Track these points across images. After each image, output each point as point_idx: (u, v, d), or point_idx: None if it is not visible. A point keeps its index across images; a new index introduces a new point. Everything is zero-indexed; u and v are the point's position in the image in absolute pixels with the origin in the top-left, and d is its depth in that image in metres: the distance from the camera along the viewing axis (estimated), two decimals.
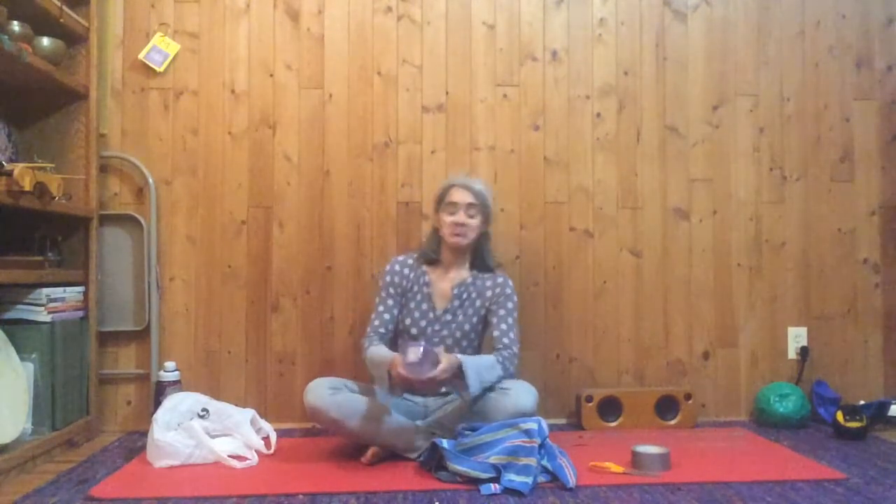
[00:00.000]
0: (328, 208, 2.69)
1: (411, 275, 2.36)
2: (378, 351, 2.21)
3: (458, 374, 2.04)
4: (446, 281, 2.36)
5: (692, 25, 2.82)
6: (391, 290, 2.35)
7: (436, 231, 2.39)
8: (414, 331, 2.31)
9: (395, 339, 2.35)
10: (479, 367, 2.11)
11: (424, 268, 2.38)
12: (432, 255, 2.38)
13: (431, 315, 2.32)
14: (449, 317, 2.32)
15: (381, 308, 2.34)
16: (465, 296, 2.34)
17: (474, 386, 2.06)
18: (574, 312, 2.74)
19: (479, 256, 2.38)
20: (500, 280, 2.37)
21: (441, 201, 2.35)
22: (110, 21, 2.64)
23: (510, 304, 2.33)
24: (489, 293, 2.34)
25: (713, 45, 2.82)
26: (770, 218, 2.81)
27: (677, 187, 2.79)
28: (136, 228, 2.62)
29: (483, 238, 2.38)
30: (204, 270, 2.66)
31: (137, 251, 2.62)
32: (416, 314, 2.32)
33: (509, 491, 1.84)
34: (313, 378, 2.25)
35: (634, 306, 2.76)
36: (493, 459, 1.90)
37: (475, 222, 2.32)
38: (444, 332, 2.31)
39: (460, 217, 2.29)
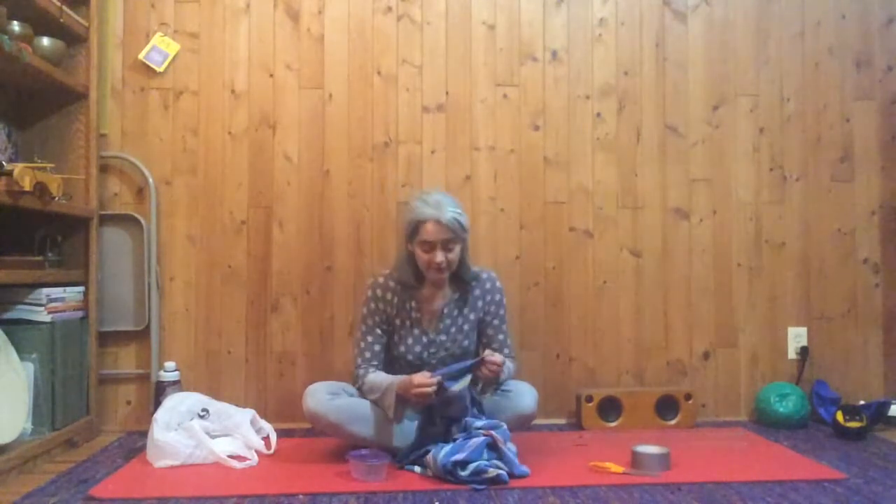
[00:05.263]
0: (328, 208, 2.69)
1: (395, 300, 2.23)
2: (377, 377, 2.15)
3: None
4: (433, 301, 2.25)
5: (692, 25, 2.82)
6: (377, 319, 2.23)
7: (411, 257, 2.19)
8: (410, 357, 2.21)
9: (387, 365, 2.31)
10: (507, 368, 2.17)
11: (408, 291, 2.24)
12: (411, 282, 2.22)
13: (425, 339, 2.23)
14: (443, 337, 2.23)
15: (369, 338, 2.22)
16: (455, 313, 2.25)
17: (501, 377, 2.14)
18: (574, 312, 2.74)
19: (457, 272, 2.22)
20: (487, 285, 2.28)
21: (413, 235, 2.15)
22: (110, 21, 2.64)
23: (502, 311, 2.29)
24: (480, 303, 2.27)
25: (713, 45, 2.82)
26: (770, 218, 2.81)
27: (677, 187, 2.79)
28: (136, 228, 2.61)
29: (461, 253, 2.20)
30: (204, 270, 2.66)
31: (137, 251, 2.62)
32: (410, 340, 2.22)
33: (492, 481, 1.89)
34: (313, 378, 2.26)
35: (634, 306, 2.76)
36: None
37: (454, 255, 2.14)
38: (442, 353, 2.23)
39: (438, 256, 2.11)
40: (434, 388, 1.99)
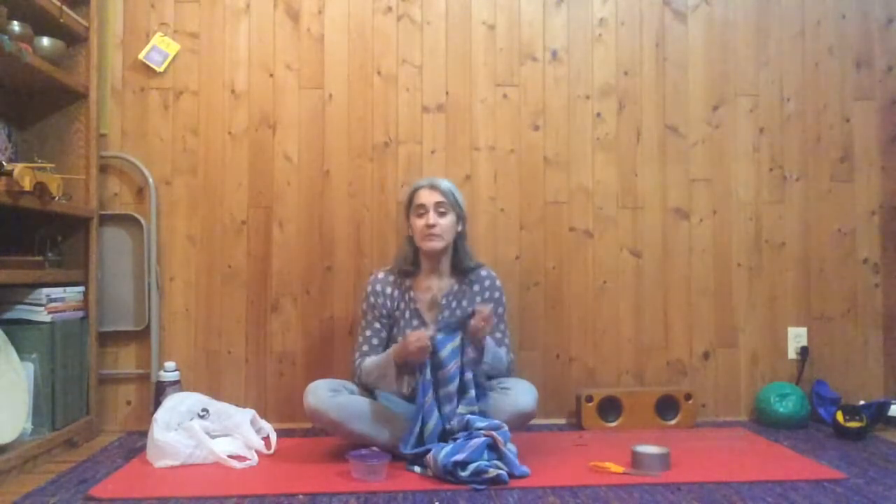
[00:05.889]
0: (328, 208, 2.69)
1: (394, 293, 2.28)
2: (372, 359, 2.20)
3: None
4: (431, 290, 2.29)
5: (692, 25, 2.82)
6: (376, 313, 2.28)
7: (410, 240, 2.29)
8: None
9: None
10: (496, 351, 2.18)
11: (406, 282, 2.30)
12: (410, 268, 2.29)
13: (424, 330, 2.25)
14: None
15: (368, 332, 2.28)
16: (454, 304, 2.28)
17: (486, 356, 2.12)
18: (574, 312, 2.74)
19: (456, 259, 2.30)
20: (486, 282, 2.32)
21: (410, 207, 2.28)
22: (110, 21, 2.64)
23: (501, 309, 2.32)
24: (479, 298, 2.30)
25: (713, 45, 2.81)
26: (770, 218, 2.81)
27: (677, 187, 2.79)
28: (136, 228, 2.61)
29: (459, 238, 2.30)
30: (204, 270, 2.66)
31: (137, 251, 2.62)
32: (408, 332, 2.22)
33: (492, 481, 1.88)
34: (313, 378, 2.26)
35: (634, 306, 2.76)
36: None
37: (447, 221, 2.23)
38: None
39: (430, 218, 2.20)
40: (430, 338, 2.03)
